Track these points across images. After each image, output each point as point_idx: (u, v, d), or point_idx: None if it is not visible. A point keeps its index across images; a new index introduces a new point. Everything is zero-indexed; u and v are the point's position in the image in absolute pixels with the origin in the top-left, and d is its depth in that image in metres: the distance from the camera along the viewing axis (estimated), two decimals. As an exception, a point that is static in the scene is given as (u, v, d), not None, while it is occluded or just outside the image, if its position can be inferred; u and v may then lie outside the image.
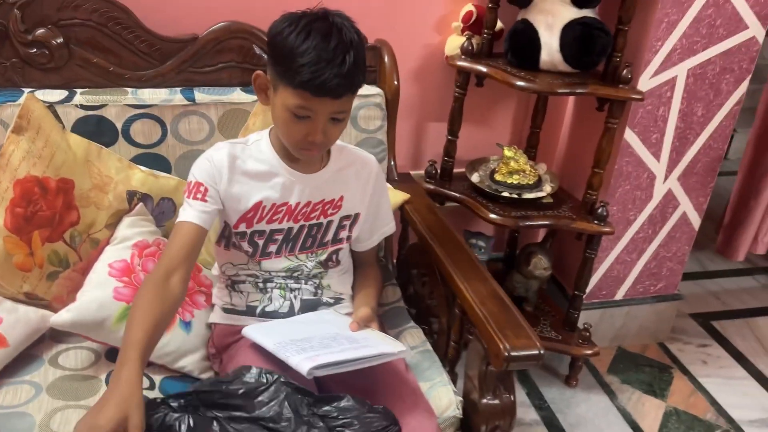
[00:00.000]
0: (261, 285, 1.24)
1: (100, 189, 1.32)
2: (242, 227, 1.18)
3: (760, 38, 1.69)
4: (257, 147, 1.19)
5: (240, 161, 1.17)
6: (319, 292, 1.27)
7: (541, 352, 1.09)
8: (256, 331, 1.16)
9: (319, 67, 1.01)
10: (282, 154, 1.17)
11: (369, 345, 1.11)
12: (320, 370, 1.02)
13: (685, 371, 2.01)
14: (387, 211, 1.35)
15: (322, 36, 1.02)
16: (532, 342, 1.10)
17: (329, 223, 1.23)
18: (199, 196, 1.13)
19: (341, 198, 1.23)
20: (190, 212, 1.12)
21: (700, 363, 2.06)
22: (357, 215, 1.26)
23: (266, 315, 1.24)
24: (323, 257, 1.25)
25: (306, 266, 1.24)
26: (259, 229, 1.19)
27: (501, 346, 1.09)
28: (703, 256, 2.60)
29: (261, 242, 1.20)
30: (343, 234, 1.25)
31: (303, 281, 1.25)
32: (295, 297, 1.25)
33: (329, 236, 1.24)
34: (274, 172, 1.17)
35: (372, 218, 1.31)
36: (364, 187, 1.26)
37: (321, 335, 1.13)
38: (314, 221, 1.22)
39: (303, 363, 1.01)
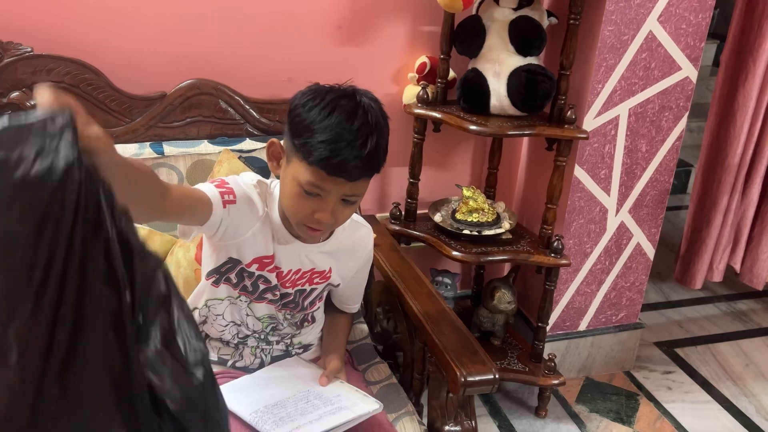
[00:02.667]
0: (233, 344, 1.25)
1: (73, 241, 1.37)
2: (254, 267, 1.15)
3: (694, 78, 1.82)
4: (270, 199, 1.16)
5: (269, 213, 1.14)
6: (290, 349, 1.30)
7: (496, 376, 1.15)
8: (227, 393, 1.16)
9: (338, 147, 0.97)
10: (285, 219, 1.14)
11: (343, 406, 1.13)
12: None
13: (651, 398, 2.07)
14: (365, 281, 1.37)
15: (347, 114, 0.99)
16: (487, 367, 1.16)
17: (312, 290, 1.24)
18: (225, 197, 1.06)
19: (330, 270, 1.22)
20: (210, 191, 1.05)
21: (665, 389, 2.12)
22: (338, 285, 1.27)
23: (236, 368, 1.26)
24: (298, 319, 1.26)
25: (282, 324, 1.25)
26: (265, 276, 1.17)
27: (458, 373, 1.15)
28: (665, 287, 2.69)
29: (263, 287, 1.19)
30: (320, 297, 1.27)
31: (274, 343, 1.27)
32: (266, 355, 1.27)
33: (308, 301, 1.25)
34: (275, 235, 1.15)
35: (358, 284, 1.33)
36: (354, 264, 1.26)
37: (294, 396, 1.15)
38: (299, 287, 1.21)
39: None
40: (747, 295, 2.67)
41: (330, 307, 1.36)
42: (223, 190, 1.07)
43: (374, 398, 1.17)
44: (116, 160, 0.68)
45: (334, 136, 0.98)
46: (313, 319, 1.29)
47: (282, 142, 1.11)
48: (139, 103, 1.49)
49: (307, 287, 1.22)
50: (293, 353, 1.30)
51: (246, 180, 1.14)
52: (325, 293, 1.29)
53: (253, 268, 1.16)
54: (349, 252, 1.24)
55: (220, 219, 1.06)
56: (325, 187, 1.02)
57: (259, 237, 1.13)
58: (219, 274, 1.17)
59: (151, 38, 1.57)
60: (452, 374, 1.16)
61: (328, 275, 1.23)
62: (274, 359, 1.28)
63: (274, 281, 1.18)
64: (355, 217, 1.26)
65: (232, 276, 1.17)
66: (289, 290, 1.20)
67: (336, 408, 1.12)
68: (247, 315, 1.22)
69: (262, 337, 1.26)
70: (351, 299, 1.36)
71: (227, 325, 1.23)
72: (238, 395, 1.15)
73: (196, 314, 1.25)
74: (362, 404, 1.14)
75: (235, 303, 1.21)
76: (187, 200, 1.01)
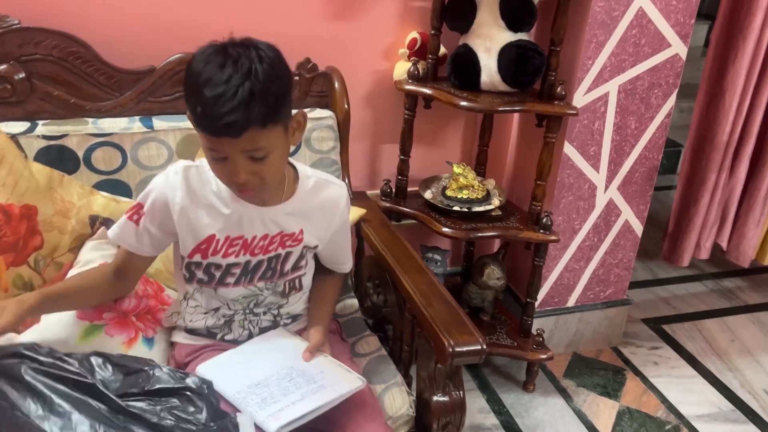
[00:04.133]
0: (221, 321, 1.25)
1: (62, 214, 1.37)
2: (197, 257, 1.15)
3: (683, 54, 1.82)
4: (211, 173, 1.12)
5: (196, 188, 1.12)
6: (278, 319, 1.30)
7: (484, 347, 1.17)
8: (210, 371, 1.15)
9: (208, 105, 0.93)
10: None
11: (326, 384, 1.13)
12: (285, 427, 1.05)
13: (638, 373, 2.10)
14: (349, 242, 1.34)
15: (216, 67, 0.94)
16: (475, 338, 1.18)
17: (288, 254, 1.20)
18: (134, 218, 1.13)
19: (301, 231, 1.19)
20: (121, 233, 1.15)
21: (651, 364, 2.15)
22: (316, 247, 1.24)
23: (225, 341, 1.27)
24: (280, 288, 1.24)
25: (263, 294, 1.24)
26: (215, 262, 1.16)
27: (446, 343, 1.16)
28: (653, 264, 2.72)
29: (218, 274, 1.17)
30: (303, 262, 1.24)
31: (262, 313, 1.27)
32: (254, 326, 1.27)
33: (289, 266, 1.22)
34: (228, 204, 1.12)
35: (341, 243, 1.30)
36: (329, 221, 1.23)
37: (277, 374, 1.15)
38: (273, 253, 1.18)
39: (269, 423, 1.04)
40: (733, 273, 2.70)
41: (318, 272, 1.33)
42: (132, 212, 1.14)
43: (357, 374, 1.18)
44: (36, 311, 1.02)
45: (205, 96, 0.93)
46: (301, 287, 1.27)
47: None
48: (128, 77, 1.48)
49: (281, 251, 1.19)
50: (281, 324, 1.30)
51: (170, 171, 1.13)
52: (308, 257, 1.26)
53: (197, 258, 1.15)
54: (320, 212, 1.21)
55: (146, 239, 1.15)
56: (220, 149, 0.98)
57: (185, 222, 1.12)
58: (181, 268, 1.21)
59: (140, 11, 1.56)
60: (440, 345, 1.18)
61: (300, 237, 1.19)
62: (263, 330, 1.28)
63: (222, 263, 1.16)
64: (325, 176, 1.24)
65: (186, 273, 1.19)
66: (261, 257, 1.18)
67: (318, 386, 1.13)
68: (221, 299, 1.22)
69: (248, 311, 1.26)
70: (338, 259, 1.33)
71: (206, 313, 1.24)
72: (222, 372, 1.15)
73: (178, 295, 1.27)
74: (345, 382, 1.14)
75: (203, 293, 1.21)
76: (124, 269, 1.17)
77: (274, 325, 1.29)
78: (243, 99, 0.93)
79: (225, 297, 1.22)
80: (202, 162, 1.14)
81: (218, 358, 1.21)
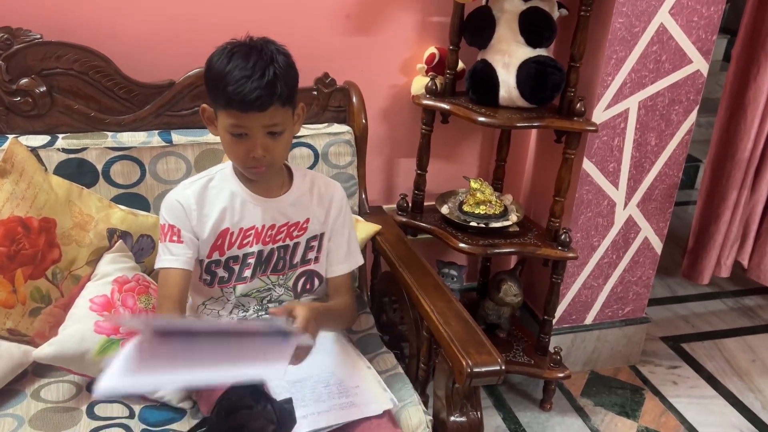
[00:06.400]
0: (235, 319, 1.29)
1: (81, 227, 1.37)
2: (215, 255, 1.24)
3: (704, 71, 1.80)
4: (221, 176, 1.25)
5: (205, 195, 1.23)
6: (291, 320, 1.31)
7: (502, 367, 1.15)
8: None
9: (239, 84, 1.08)
10: (243, 180, 1.24)
11: (357, 402, 1.17)
12: None
13: (657, 392, 2.07)
14: (356, 243, 1.39)
15: (242, 57, 1.10)
16: (493, 358, 1.16)
17: (296, 244, 1.28)
18: (175, 238, 1.20)
19: (306, 220, 1.28)
20: (170, 258, 1.20)
21: (670, 384, 2.11)
22: (322, 235, 1.31)
23: None
24: (291, 281, 1.29)
25: (275, 291, 1.29)
26: (232, 255, 1.24)
27: (464, 363, 1.15)
28: (672, 282, 2.68)
29: (236, 268, 1.25)
30: (312, 255, 1.30)
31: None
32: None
33: (297, 258, 1.29)
34: (238, 198, 1.23)
35: (344, 243, 1.33)
36: (327, 209, 1.31)
37: (317, 376, 1.19)
38: (281, 243, 1.27)
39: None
40: (754, 291, 2.66)
41: (331, 296, 1.35)
42: (168, 234, 1.21)
43: (392, 395, 1.21)
44: None
45: (235, 77, 1.08)
46: (312, 288, 1.32)
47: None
48: (147, 91, 1.49)
49: (290, 242, 1.27)
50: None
51: (178, 188, 1.24)
52: (317, 253, 1.30)
53: (215, 256, 1.24)
54: (318, 199, 1.30)
55: (194, 245, 1.22)
56: (244, 124, 1.11)
57: (203, 226, 1.22)
58: (202, 273, 1.26)
59: (160, 26, 1.57)
60: (458, 364, 1.16)
61: (305, 226, 1.28)
62: None
63: (239, 254, 1.24)
64: (316, 173, 1.38)
65: (207, 276, 1.25)
66: (271, 246, 1.25)
67: (349, 403, 1.15)
68: (236, 298, 1.27)
69: (262, 306, 1.29)
70: (350, 249, 1.35)
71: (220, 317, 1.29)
72: None
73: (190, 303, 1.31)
74: (375, 405, 1.17)
75: (223, 296, 1.27)
76: (180, 293, 1.19)
77: None
78: (269, 79, 1.08)
79: (242, 294, 1.27)
80: (210, 172, 1.27)
81: None
